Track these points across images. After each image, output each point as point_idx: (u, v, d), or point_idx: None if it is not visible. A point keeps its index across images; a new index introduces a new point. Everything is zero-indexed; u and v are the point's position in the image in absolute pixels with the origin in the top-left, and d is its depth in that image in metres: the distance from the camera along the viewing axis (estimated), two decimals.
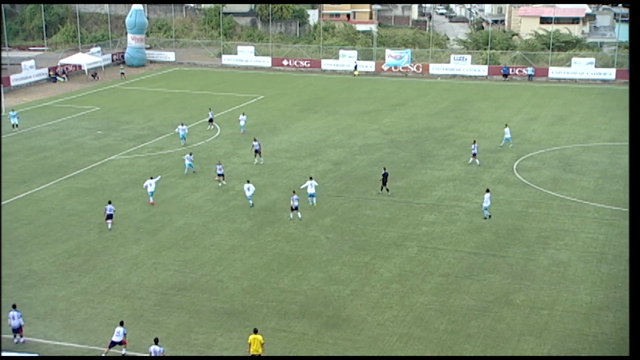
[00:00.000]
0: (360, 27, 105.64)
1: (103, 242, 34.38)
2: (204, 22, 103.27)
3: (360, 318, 27.55)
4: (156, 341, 23.98)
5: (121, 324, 24.93)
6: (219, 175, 42.57)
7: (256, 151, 47.12)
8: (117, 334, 24.55)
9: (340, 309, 28.25)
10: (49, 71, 77.99)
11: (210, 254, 33.17)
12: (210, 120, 56.78)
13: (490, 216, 37.49)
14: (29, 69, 75.42)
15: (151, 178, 40.18)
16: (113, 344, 24.58)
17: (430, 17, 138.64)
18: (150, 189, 39.48)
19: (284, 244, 34.44)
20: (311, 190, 38.99)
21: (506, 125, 52.82)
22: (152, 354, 23.65)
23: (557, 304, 28.62)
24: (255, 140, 47.83)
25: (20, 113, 61.30)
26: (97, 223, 36.73)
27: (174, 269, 31.61)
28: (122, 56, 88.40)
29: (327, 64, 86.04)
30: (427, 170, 46.16)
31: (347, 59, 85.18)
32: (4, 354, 24.20)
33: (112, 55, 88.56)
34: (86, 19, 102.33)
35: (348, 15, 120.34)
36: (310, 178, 39.78)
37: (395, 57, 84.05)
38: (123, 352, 24.69)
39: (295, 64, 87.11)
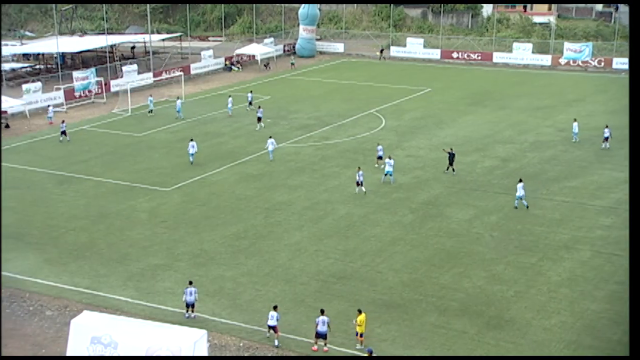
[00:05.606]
0: (537, 19, 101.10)
1: (269, 227, 35.41)
2: (375, 14, 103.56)
3: (524, 321, 26.29)
4: (322, 312, 24.69)
5: (275, 308, 25.32)
6: (379, 158, 43.96)
7: (259, 118, 53.64)
8: (271, 318, 25.01)
9: (504, 310, 27.13)
10: (225, 61, 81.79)
11: (371, 245, 33.12)
12: (250, 103, 60.96)
13: (527, 207, 36.83)
14: (207, 58, 79.52)
15: (270, 137, 46.32)
16: (269, 327, 25.17)
17: (617, 8, 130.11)
18: (270, 147, 45.56)
19: (445, 239, 33.66)
20: (388, 168, 40.81)
21: (575, 120, 50.53)
22: (320, 324, 24.33)
23: None
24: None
25: (199, 100, 64.81)
26: (263, 208, 37.92)
27: (335, 257, 31.89)
28: (293, 47, 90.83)
29: (498, 57, 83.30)
30: (605, 170, 43.24)
31: (520, 52, 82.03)
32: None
33: (284, 45, 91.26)
34: (261, 11, 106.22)
35: (525, 7, 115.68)
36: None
37: (575, 51, 79.67)
38: (276, 343, 25.04)
39: (466, 56, 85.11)
